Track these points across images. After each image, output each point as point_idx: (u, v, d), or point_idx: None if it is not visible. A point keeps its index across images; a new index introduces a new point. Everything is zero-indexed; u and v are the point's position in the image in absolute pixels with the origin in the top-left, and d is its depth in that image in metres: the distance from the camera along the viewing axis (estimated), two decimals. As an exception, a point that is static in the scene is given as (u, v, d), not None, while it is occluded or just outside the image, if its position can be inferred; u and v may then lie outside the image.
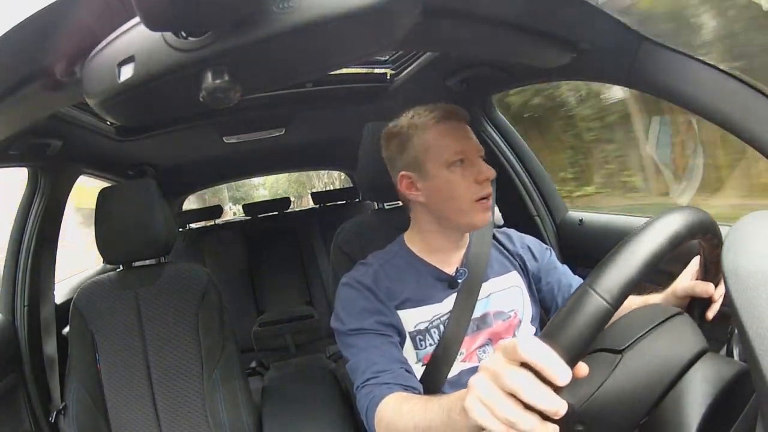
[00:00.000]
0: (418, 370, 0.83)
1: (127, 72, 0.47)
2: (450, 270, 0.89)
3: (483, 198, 0.82)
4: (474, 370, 0.73)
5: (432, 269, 0.88)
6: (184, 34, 0.46)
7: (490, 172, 0.82)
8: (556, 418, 0.41)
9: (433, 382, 0.82)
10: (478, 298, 0.86)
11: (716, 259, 0.59)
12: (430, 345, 0.84)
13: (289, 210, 2.75)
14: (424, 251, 0.90)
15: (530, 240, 0.98)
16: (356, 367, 0.79)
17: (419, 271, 0.88)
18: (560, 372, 0.40)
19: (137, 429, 1.11)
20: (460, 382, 0.82)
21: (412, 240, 0.92)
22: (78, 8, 0.50)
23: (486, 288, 0.87)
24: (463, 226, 0.87)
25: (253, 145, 1.80)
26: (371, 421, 0.72)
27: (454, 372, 0.83)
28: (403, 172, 0.86)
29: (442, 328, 0.84)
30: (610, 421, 0.47)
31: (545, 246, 0.98)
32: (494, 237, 0.96)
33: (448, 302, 0.85)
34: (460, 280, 0.87)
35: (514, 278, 0.91)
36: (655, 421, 0.46)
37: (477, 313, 0.85)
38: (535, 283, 0.93)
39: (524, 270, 0.93)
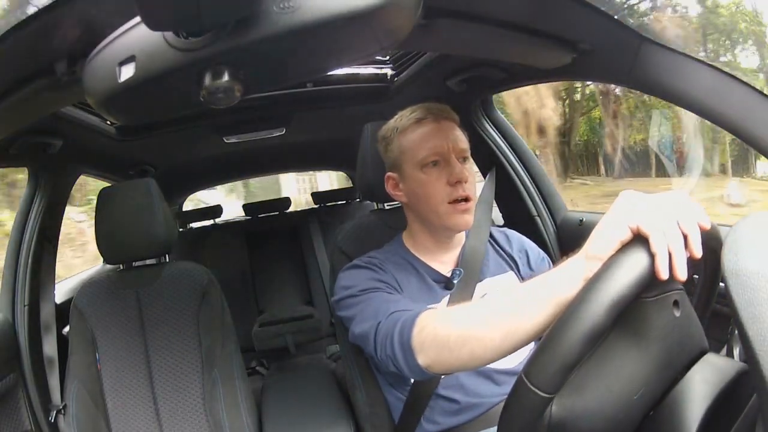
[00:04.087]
0: None
1: (127, 72, 0.48)
2: (446, 270, 0.89)
3: (458, 200, 0.81)
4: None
5: (429, 269, 0.88)
6: (184, 34, 0.46)
7: (464, 174, 0.80)
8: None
9: (427, 383, 0.82)
10: (473, 298, 0.85)
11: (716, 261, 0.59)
12: None
13: (289, 210, 2.75)
14: (420, 251, 0.90)
15: (530, 246, 0.97)
16: (371, 313, 0.73)
17: (417, 271, 0.88)
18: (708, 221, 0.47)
19: (137, 428, 1.10)
20: (456, 383, 0.82)
21: (408, 239, 0.92)
22: (79, 8, 0.50)
23: (481, 288, 0.87)
24: (441, 229, 0.86)
25: (253, 145, 1.79)
26: (407, 334, 0.64)
27: None
28: (388, 173, 0.89)
29: None
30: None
31: (544, 255, 0.96)
32: (492, 236, 0.95)
33: (445, 303, 0.85)
34: (455, 281, 0.87)
35: (511, 279, 0.91)
36: (655, 421, 0.46)
37: None
38: None
39: (518, 273, 0.92)
